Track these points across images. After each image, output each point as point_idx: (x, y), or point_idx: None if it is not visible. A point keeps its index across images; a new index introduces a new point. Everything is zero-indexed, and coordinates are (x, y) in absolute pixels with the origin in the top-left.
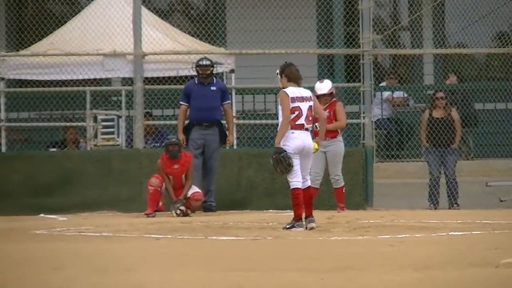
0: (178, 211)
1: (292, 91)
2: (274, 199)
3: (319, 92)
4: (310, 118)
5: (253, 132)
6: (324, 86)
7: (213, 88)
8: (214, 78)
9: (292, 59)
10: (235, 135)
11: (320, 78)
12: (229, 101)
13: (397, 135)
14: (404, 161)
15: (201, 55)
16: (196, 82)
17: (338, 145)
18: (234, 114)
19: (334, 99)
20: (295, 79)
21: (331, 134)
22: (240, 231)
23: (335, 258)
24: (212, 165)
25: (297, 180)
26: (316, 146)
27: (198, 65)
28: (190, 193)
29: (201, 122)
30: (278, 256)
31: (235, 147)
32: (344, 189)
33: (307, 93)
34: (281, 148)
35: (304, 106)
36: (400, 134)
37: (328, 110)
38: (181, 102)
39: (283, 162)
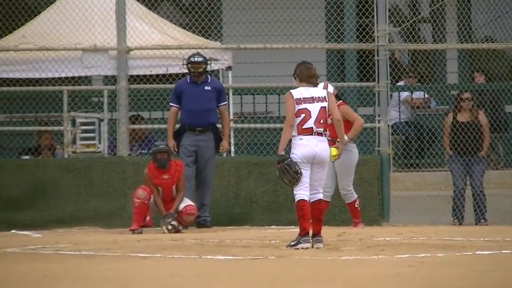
0: (169, 227)
1: (300, 91)
2: (277, 214)
3: None
4: (322, 121)
5: (253, 138)
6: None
7: (207, 88)
8: (209, 77)
9: (297, 54)
10: (232, 141)
11: (329, 76)
12: (225, 103)
13: (416, 141)
14: (425, 171)
15: (194, 50)
16: (188, 81)
17: (346, 155)
18: (231, 117)
19: (339, 101)
20: (306, 79)
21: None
22: (239, 249)
23: (346, 280)
24: (206, 175)
25: (303, 192)
26: (335, 153)
27: (189, 62)
28: (182, 206)
29: (194, 126)
30: (281, 278)
31: (232, 154)
32: (357, 203)
33: (320, 92)
34: (284, 155)
35: (314, 108)
36: (420, 140)
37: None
38: (171, 104)
39: (289, 170)
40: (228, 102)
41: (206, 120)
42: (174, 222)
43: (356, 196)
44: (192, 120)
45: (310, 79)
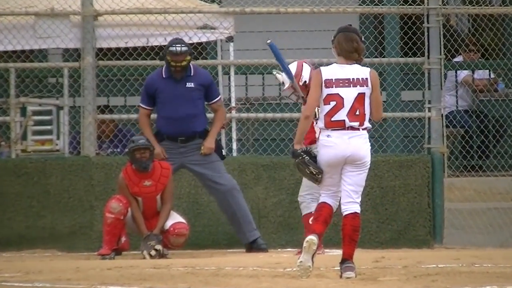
0: (153, 252)
1: (333, 70)
2: (294, 233)
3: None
4: (358, 112)
5: (263, 131)
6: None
7: (189, 84)
8: (191, 67)
9: (321, 21)
10: (234, 136)
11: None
12: (218, 98)
13: (480, 135)
14: (491, 175)
15: (183, 15)
16: (164, 75)
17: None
18: (233, 104)
19: None
20: (345, 53)
21: (310, 136)
22: (243, 280)
23: None
24: (225, 185)
25: (328, 198)
26: None
27: (169, 53)
28: (169, 224)
29: (175, 136)
30: None
31: (234, 154)
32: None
33: (360, 73)
34: (297, 151)
35: (349, 94)
36: (484, 134)
37: None
38: (140, 104)
39: (304, 171)
40: (229, 83)
41: (189, 129)
42: (159, 246)
43: (313, 210)
44: (171, 130)
45: (350, 55)
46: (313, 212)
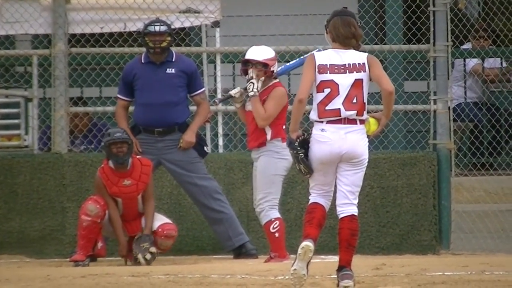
0: (148, 256)
1: (328, 55)
2: (287, 237)
3: (247, 57)
4: (356, 100)
5: None
6: (259, 51)
7: (170, 70)
8: (174, 53)
9: (317, 3)
10: (220, 131)
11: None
12: (202, 90)
13: (491, 130)
14: (503, 174)
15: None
16: (143, 61)
17: (265, 160)
18: (219, 96)
19: (275, 81)
20: (341, 39)
21: (259, 138)
22: None
23: None
24: (202, 188)
25: (319, 198)
26: (374, 128)
27: (147, 33)
28: (156, 225)
29: (151, 127)
30: None
31: (221, 150)
32: (273, 226)
33: (356, 58)
34: (293, 143)
35: (344, 80)
36: (496, 129)
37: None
38: (118, 95)
39: (298, 164)
40: (215, 73)
41: (168, 118)
42: (153, 249)
43: (273, 216)
44: (148, 119)
45: (347, 41)
46: (273, 219)
